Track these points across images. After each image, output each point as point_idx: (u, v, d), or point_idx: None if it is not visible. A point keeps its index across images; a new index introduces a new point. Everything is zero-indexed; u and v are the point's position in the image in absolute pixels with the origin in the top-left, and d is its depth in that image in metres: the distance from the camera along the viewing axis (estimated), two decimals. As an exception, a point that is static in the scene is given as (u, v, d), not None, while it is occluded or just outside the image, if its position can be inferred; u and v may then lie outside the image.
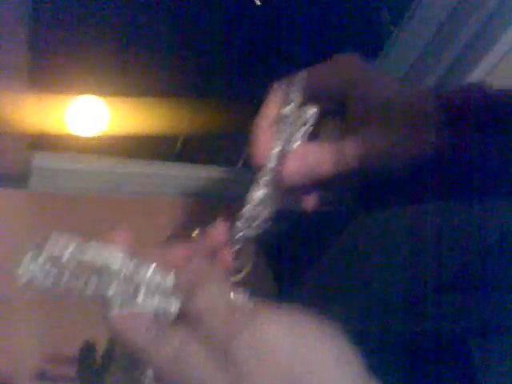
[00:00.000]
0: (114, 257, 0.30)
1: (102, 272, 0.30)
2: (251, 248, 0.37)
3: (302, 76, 0.37)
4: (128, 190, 0.68)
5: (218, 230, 0.34)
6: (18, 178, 0.62)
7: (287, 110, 0.36)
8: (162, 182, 0.71)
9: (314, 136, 0.38)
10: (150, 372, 0.36)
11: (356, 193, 0.43)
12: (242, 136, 0.76)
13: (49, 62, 0.65)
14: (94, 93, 0.72)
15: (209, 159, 0.78)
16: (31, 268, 0.29)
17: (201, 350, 0.29)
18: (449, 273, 0.61)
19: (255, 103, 0.39)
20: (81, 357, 0.55)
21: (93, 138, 0.73)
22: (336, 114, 0.38)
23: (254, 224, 0.36)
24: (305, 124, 0.36)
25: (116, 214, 0.63)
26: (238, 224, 0.35)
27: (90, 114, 0.73)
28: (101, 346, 0.54)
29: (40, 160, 0.63)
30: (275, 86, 0.38)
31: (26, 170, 0.63)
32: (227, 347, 0.28)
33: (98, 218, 0.63)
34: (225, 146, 0.84)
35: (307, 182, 0.36)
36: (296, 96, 0.36)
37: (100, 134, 0.73)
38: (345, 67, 0.38)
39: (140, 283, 0.30)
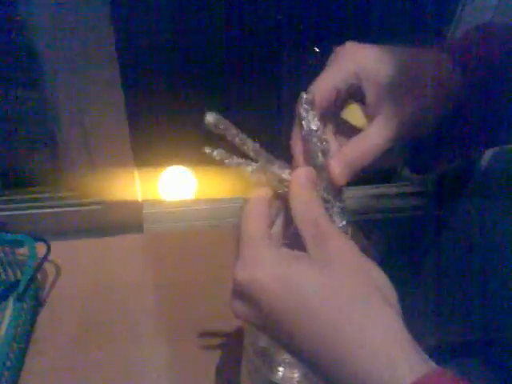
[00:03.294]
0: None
1: None
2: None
3: (310, 92, 0.36)
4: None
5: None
6: (134, 225, 0.75)
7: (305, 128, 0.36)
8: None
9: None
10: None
11: (405, 161, 0.43)
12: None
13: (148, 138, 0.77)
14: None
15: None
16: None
17: None
18: None
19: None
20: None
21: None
22: (356, 97, 0.38)
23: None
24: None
25: (217, 243, 0.74)
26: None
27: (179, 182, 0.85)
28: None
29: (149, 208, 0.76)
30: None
31: (139, 217, 0.75)
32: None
33: (202, 249, 0.73)
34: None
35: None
36: (306, 111, 0.36)
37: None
38: (349, 59, 0.37)
39: None
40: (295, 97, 0.36)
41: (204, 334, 0.62)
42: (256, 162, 0.36)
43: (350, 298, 0.28)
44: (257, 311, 0.30)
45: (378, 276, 0.30)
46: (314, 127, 0.35)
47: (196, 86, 0.79)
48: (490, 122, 0.40)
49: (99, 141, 0.64)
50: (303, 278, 0.29)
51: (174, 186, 0.85)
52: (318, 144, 0.35)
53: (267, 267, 0.30)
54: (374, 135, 0.36)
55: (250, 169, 0.35)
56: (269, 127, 0.38)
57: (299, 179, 0.33)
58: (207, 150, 0.34)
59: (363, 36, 0.39)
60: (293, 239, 0.34)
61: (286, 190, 0.35)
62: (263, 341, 0.46)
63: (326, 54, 0.39)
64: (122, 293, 0.66)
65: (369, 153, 0.36)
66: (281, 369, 0.45)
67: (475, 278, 0.72)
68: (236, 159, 0.35)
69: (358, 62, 0.37)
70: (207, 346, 0.61)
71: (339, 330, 0.27)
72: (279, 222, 0.35)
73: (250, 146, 0.35)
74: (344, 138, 0.39)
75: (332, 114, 0.39)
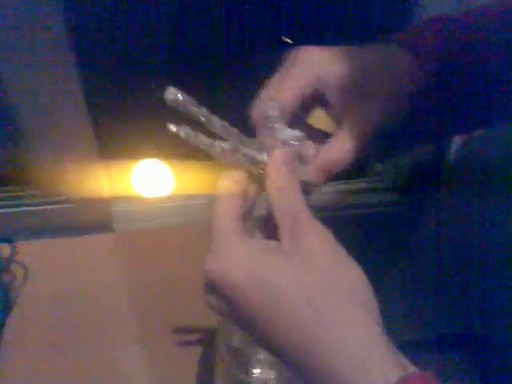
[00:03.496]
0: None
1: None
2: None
3: (275, 106, 0.35)
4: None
5: None
6: (105, 224, 0.74)
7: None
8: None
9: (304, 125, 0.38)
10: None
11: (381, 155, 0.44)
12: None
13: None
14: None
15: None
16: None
17: None
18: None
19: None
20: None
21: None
22: (321, 101, 0.38)
23: None
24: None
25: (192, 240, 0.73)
26: None
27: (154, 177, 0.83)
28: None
29: (119, 206, 0.74)
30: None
31: (109, 216, 0.74)
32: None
33: (174, 247, 0.72)
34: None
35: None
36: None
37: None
38: (307, 64, 0.37)
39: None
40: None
41: (181, 332, 0.61)
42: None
43: (324, 298, 0.28)
44: (229, 306, 0.30)
45: (355, 275, 0.29)
46: (286, 138, 0.34)
47: (173, 71, 0.78)
48: (450, 110, 0.40)
49: (62, 134, 0.62)
50: (275, 273, 0.28)
51: (149, 181, 0.82)
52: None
53: (238, 262, 0.29)
54: (344, 141, 0.36)
55: (219, 149, 0.32)
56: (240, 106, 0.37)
57: (277, 163, 0.32)
58: (171, 127, 0.31)
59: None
60: (270, 223, 0.32)
61: (261, 172, 0.33)
62: (236, 340, 0.45)
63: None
64: (94, 293, 0.65)
65: (342, 159, 0.36)
66: (256, 370, 0.45)
67: (448, 271, 0.73)
68: (203, 138, 0.32)
69: (316, 67, 0.36)
70: (184, 345, 0.60)
71: (314, 331, 0.27)
72: (259, 204, 0.35)
73: (218, 124, 0.33)
74: (314, 143, 0.39)
75: (299, 120, 0.38)
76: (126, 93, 0.77)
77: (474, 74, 0.39)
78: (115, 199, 0.75)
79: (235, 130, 0.34)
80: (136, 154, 0.80)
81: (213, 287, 0.30)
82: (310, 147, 0.37)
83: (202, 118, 0.32)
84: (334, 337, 0.27)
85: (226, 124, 0.33)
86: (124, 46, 0.74)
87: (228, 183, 0.33)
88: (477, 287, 0.65)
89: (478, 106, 0.40)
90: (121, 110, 0.78)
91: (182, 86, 0.33)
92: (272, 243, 0.31)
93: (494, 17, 0.40)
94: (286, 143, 0.35)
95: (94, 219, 0.74)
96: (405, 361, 0.27)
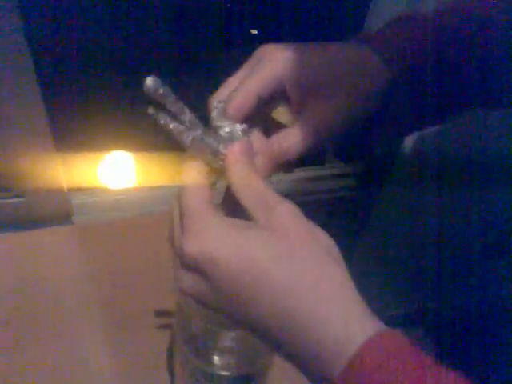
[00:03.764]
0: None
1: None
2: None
3: (221, 102, 0.36)
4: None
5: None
6: (63, 216, 0.73)
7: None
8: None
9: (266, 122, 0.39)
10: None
11: (338, 149, 0.45)
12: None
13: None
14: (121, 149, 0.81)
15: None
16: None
17: None
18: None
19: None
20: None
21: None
22: (283, 97, 0.39)
23: None
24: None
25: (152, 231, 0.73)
26: None
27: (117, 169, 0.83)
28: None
29: (79, 197, 0.73)
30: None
31: (68, 208, 0.73)
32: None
33: (134, 239, 0.72)
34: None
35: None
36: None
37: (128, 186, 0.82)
38: (269, 63, 0.37)
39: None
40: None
41: (143, 320, 0.62)
42: None
43: (303, 260, 0.29)
44: (209, 284, 0.30)
45: (325, 237, 0.31)
46: (224, 134, 0.36)
47: (138, 61, 0.77)
48: (415, 109, 0.41)
49: (15, 126, 0.61)
50: (254, 243, 0.30)
51: (110, 172, 0.82)
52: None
53: (221, 239, 0.30)
54: (297, 133, 0.37)
55: (190, 138, 0.34)
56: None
57: (235, 154, 0.34)
58: (150, 111, 0.33)
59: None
60: (232, 211, 0.34)
61: (220, 163, 0.35)
62: (194, 328, 0.46)
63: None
64: (53, 286, 0.64)
65: (289, 151, 0.37)
66: (215, 357, 0.46)
67: (407, 253, 0.75)
68: (177, 125, 0.34)
69: (278, 65, 0.37)
70: (148, 332, 0.61)
71: (295, 292, 0.28)
72: (217, 195, 0.36)
73: (188, 116, 0.35)
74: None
75: (260, 114, 0.39)
76: (85, 85, 0.76)
77: (438, 72, 0.39)
78: (75, 191, 0.74)
79: (201, 124, 0.36)
80: (96, 146, 0.79)
81: (193, 266, 0.31)
82: (258, 138, 0.38)
83: (177, 109, 0.34)
84: (317, 294, 0.28)
85: (194, 117, 0.35)
86: (83, 34, 0.72)
87: (194, 171, 0.34)
88: (429, 268, 0.67)
89: (443, 102, 0.41)
90: (80, 103, 0.76)
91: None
92: (248, 222, 0.32)
93: (456, 15, 0.41)
94: (229, 138, 0.36)
95: (53, 212, 0.72)
96: (377, 319, 0.29)
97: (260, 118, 0.39)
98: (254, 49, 0.39)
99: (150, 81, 0.33)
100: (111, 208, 0.75)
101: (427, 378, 0.26)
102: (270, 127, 0.40)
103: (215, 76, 0.40)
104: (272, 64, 0.37)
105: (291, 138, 0.37)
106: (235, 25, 0.78)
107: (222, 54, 0.80)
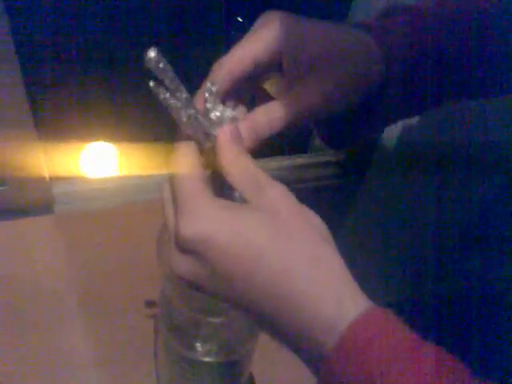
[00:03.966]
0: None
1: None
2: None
3: (215, 83, 0.35)
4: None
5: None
6: (44, 206, 0.72)
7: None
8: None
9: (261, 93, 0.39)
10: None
11: (323, 131, 0.43)
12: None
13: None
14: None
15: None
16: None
17: None
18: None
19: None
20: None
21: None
22: (278, 68, 0.38)
23: None
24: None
25: (135, 220, 0.72)
26: None
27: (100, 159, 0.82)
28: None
29: (60, 187, 0.72)
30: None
31: (49, 197, 0.72)
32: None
33: (116, 228, 0.72)
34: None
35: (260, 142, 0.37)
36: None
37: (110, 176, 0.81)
38: (270, 29, 0.36)
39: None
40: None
41: (127, 310, 0.61)
42: None
43: (296, 240, 0.29)
44: (206, 266, 0.30)
45: (316, 218, 0.32)
46: (213, 117, 0.35)
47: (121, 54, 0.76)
48: (408, 100, 0.40)
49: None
50: (249, 224, 0.30)
51: (92, 162, 0.81)
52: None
53: (219, 220, 0.30)
54: (282, 106, 0.36)
55: (186, 114, 0.33)
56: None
57: (226, 136, 0.33)
58: (152, 83, 0.32)
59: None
60: (220, 195, 0.33)
61: (210, 145, 0.34)
62: (178, 316, 0.46)
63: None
64: (34, 276, 0.64)
65: (276, 121, 0.36)
66: (198, 344, 0.45)
67: (392, 240, 0.75)
68: (175, 102, 0.33)
69: (279, 32, 0.36)
70: (130, 322, 0.60)
71: (288, 272, 0.29)
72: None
73: (184, 94, 0.33)
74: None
75: (252, 83, 0.38)
76: (68, 75, 0.75)
77: (437, 65, 0.39)
78: (56, 180, 0.73)
79: (194, 105, 0.35)
80: (79, 136, 0.78)
81: (190, 248, 0.30)
82: (242, 111, 0.37)
83: (173, 86, 0.33)
84: (310, 273, 0.29)
85: (189, 96, 0.34)
86: (64, 22, 0.71)
87: (187, 152, 0.34)
88: (415, 255, 0.68)
89: (438, 93, 0.41)
90: (62, 92, 0.75)
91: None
92: (239, 204, 0.32)
93: (455, 8, 0.40)
94: (219, 120, 0.35)
95: (35, 201, 0.71)
96: (368, 298, 0.30)
97: (251, 87, 0.38)
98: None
99: (152, 52, 0.31)
100: (93, 197, 0.74)
101: (420, 353, 0.26)
102: (260, 99, 0.39)
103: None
104: (272, 29, 0.36)
105: (276, 111, 0.36)
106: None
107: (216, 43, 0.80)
